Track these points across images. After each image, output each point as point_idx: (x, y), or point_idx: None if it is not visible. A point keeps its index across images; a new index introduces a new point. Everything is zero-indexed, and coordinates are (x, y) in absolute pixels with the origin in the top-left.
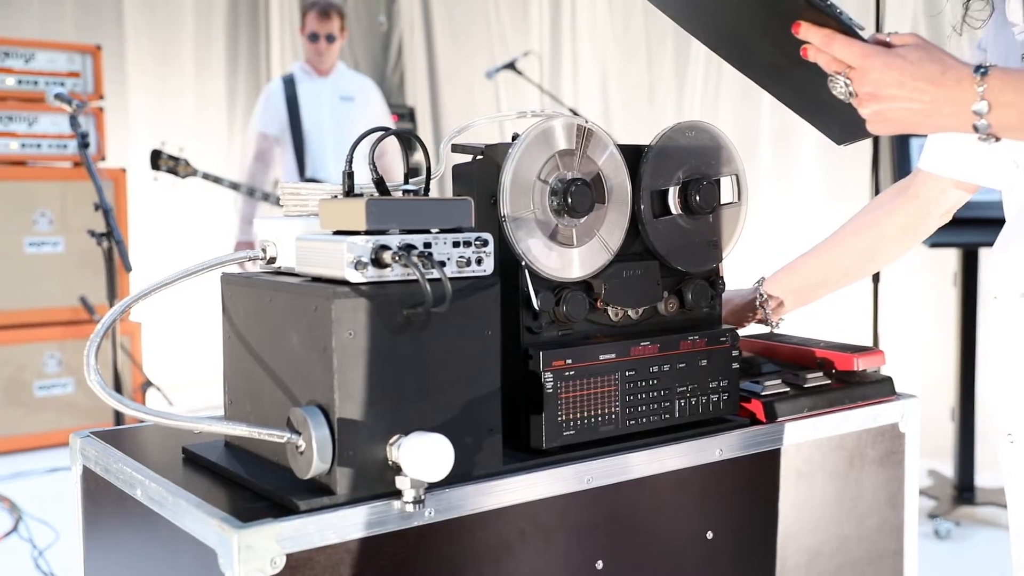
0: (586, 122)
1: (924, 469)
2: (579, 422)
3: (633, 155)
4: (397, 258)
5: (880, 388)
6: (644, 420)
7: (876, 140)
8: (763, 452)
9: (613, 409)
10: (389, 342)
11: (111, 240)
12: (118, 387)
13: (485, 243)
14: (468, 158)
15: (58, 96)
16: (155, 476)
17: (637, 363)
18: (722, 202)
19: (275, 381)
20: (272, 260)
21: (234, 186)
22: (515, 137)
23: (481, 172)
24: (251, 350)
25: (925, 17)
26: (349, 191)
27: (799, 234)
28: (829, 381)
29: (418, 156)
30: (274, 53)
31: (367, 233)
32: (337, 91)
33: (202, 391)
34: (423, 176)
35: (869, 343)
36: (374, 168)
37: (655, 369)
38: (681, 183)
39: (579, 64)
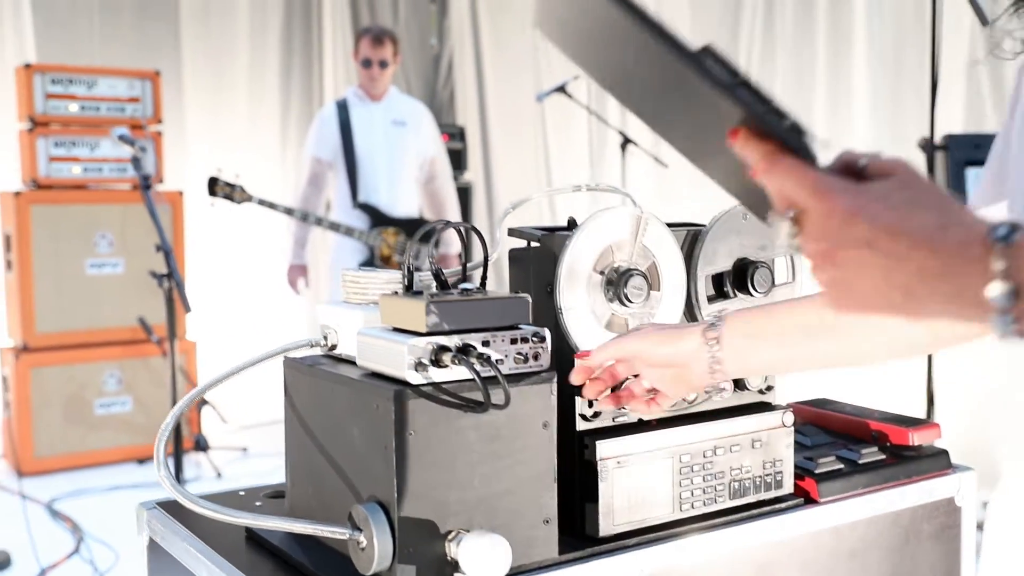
0: (642, 212)
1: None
2: (633, 508)
3: (688, 238)
4: (457, 361)
5: (936, 462)
6: (698, 504)
7: (930, 158)
8: (818, 531)
9: (667, 494)
10: (448, 441)
11: (171, 281)
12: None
13: (543, 339)
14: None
15: (122, 138)
16: (220, 560)
17: (691, 447)
18: (776, 283)
19: (336, 470)
20: (333, 347)
21: (288, 211)
22: (571, 223)
23: (537, 259)
24: (312, 436)
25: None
26: (409, 286)
27: None
28: (884, 456)
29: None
30: (327, 78)
31: (427, 334)
32: (390, 116)
33: (255, 406)
34: (480, 262)
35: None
36: (433, 262)
37: (709, 453)
38: (736, 266)
39: None
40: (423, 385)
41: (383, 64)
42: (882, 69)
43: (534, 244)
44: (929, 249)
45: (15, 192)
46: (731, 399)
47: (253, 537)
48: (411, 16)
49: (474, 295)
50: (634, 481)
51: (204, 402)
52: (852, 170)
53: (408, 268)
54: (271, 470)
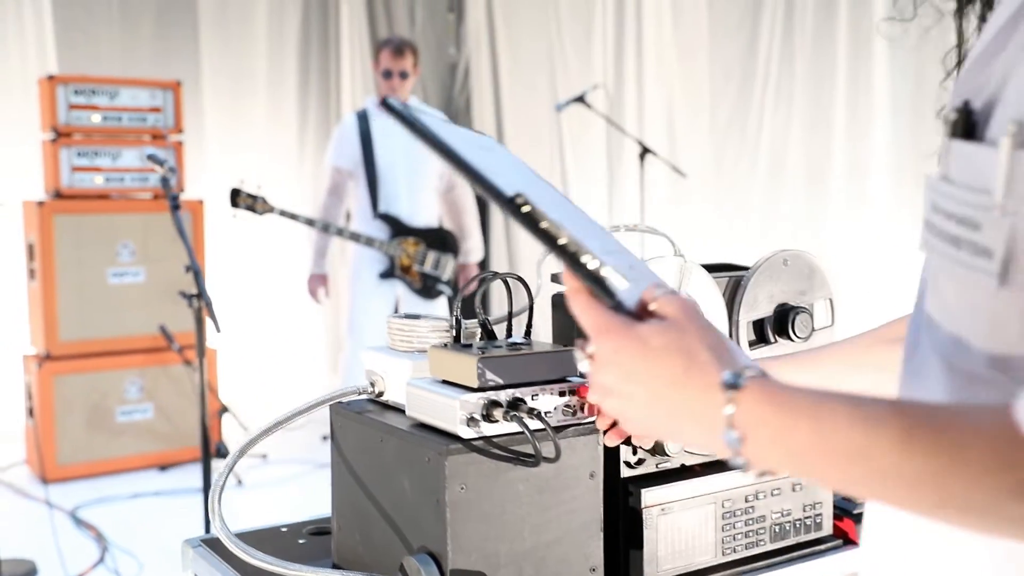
0: (686, 260)
1: None
2: (677, 554)
3: (729, 284)
4: (508, 417)
5: None
6: (740, 548)
7: None
8: (856, 572)
9: (710, 539)
10: (498, 493)
11: (200, 301)
12: (203, 417)
13: None
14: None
15: (151, 157)
16: None
17: (734, 492)
18: (816, 327)
19: (385, 519)
20: (380, 394)
21: (310, 222)
22: None
23: None
24: (360, 482)
25: None
26: (457, 337)
27: (871, 272)
28: None
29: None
30: (344, 86)
31: (478, 390)
32: None
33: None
34: (525, 312)
35: None
36: (481, 311)
37: (751, 497)
38: (777, 311)
39: (644, 93)
40: (474, 439)
41: (403, 75)
42: (903, 69)
43: None
44: (678, 388)
45: (39, 202)
46: None
47: None
48: (428, 24)
49: (523, 349)
50: (678, 527)
51: (225, 409)
52: (645, 308)
53: (456, 319)
54: (292, 476)
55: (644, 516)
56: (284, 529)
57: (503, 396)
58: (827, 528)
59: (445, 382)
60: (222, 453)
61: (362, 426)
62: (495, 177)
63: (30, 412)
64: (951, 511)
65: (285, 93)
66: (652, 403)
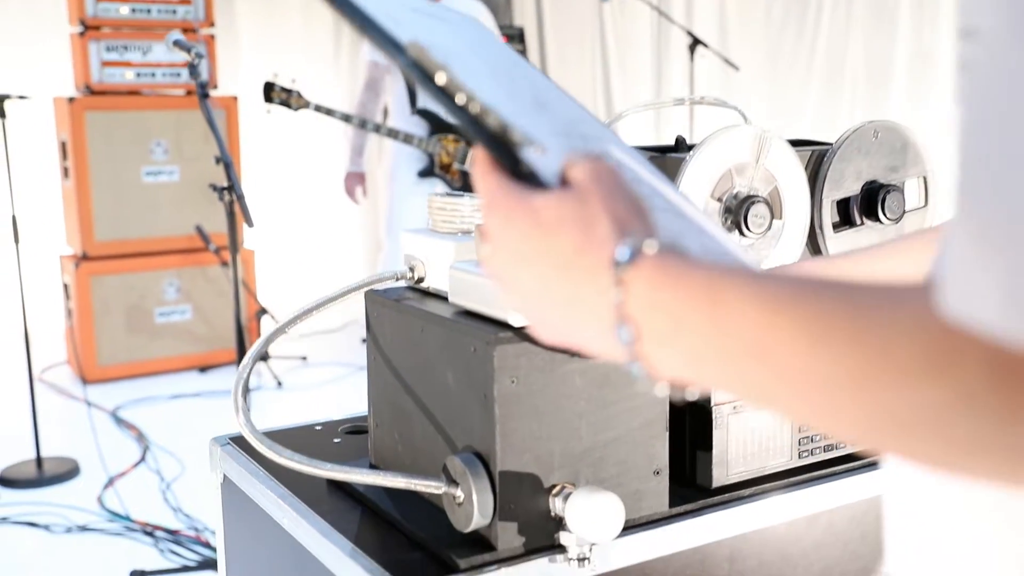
0: (765, 131)
1: None
2: (749, 456)
3: (812, 159)
4: None
5: None
6: (818, 451)
7: None
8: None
9: (786, 440)
10: (554, 388)
11: (232, 194)
12: (239, 320)
13: None
14: None
15: (177, 43)
16: (302, 508)
17: None
18: (908, 208)
19: (427, 416)
20: (420, 280)
21: (346, 118)
22: (679, 142)
23: None
24: (399, 377)
25: None
26: None
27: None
28: None
29: None
30: None
31: None
32: None
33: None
34: None
35: None
36: None
37: None
38: (865, 190)
39: None
40: (526, 327)
41: None
42: None
43: None
44: (564, 276)
45: (69, 98)
46: None
47: (336, 482)
48: None
49: None
50: (751, 428)
51: (263, 311)
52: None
53: None
54: (331, 379)
55: (714, 414)
56: (319, 428)
57: None
58: None
59: None
60: (262, 355)
61: (400, 315)
62: (391, 24)
63: (69, 313)
64: (883, 435)
65: None
66: (542, 292)
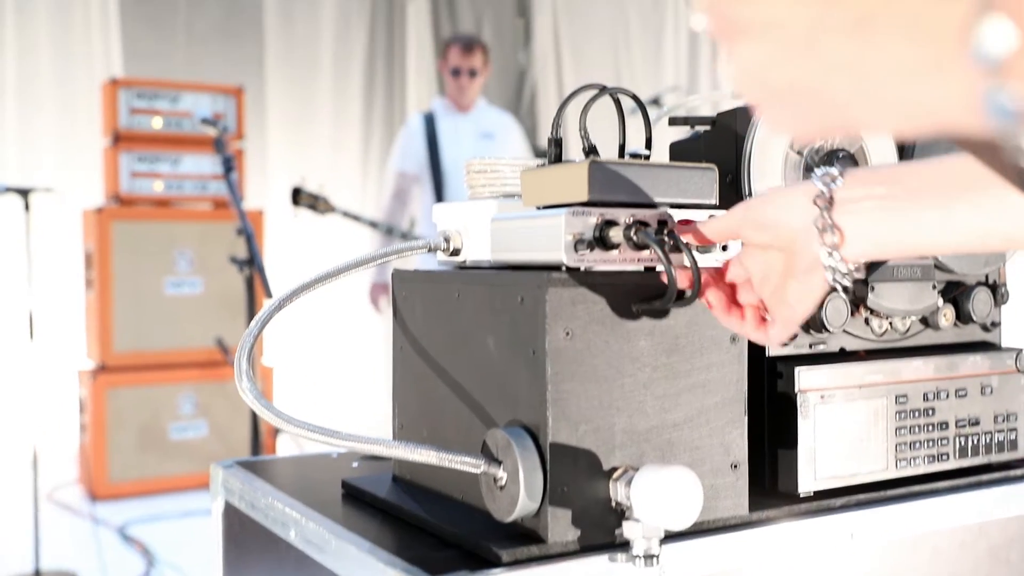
0: None
1: None
2: (841, 460)
3: None
4: (631, 236)
5: None
6: (917, 461)
7: None
8: None
9: (882, 444)
10: (616, 349)
11: (252, 268)
12: (256, 432)
13: None
14: (684, 133)
15: (204, 121)
16: (313, 515)
17: (910, 388)
18: None
19: (462, 398)
20: (456, 252)
21: (372, 224)
22: None
23: (711, 146)
24: (430, 361)
25: None
26: (557, 159)
27: None
28: None
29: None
30: (409, 92)
31: (588, 204)
32: (478, 128)
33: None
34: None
35: None
36: (586, 135)
37: (931, 397)
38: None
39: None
40: (583, 272)
41: (472, 73)
42: None
43: (706, 130)
44: None
45: (97, 209)
46: (951, 332)
47: (352, 493)
48: (494, 28)
49: (650, 162)
50: (841, 424)
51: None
52: None
53: (555, 140)
54: None
55: (799, 401)
56: (335, 456)
57: (622, 216)
58: (1023, 449)
59: (545, 207)
60: None
61: (433, 285)
62: None
63: (83, 428)
64: None
65: (350, 98)
66: (820, 27)
